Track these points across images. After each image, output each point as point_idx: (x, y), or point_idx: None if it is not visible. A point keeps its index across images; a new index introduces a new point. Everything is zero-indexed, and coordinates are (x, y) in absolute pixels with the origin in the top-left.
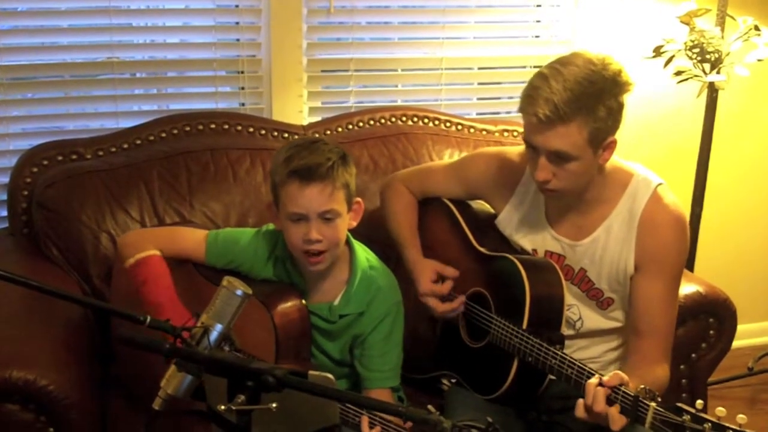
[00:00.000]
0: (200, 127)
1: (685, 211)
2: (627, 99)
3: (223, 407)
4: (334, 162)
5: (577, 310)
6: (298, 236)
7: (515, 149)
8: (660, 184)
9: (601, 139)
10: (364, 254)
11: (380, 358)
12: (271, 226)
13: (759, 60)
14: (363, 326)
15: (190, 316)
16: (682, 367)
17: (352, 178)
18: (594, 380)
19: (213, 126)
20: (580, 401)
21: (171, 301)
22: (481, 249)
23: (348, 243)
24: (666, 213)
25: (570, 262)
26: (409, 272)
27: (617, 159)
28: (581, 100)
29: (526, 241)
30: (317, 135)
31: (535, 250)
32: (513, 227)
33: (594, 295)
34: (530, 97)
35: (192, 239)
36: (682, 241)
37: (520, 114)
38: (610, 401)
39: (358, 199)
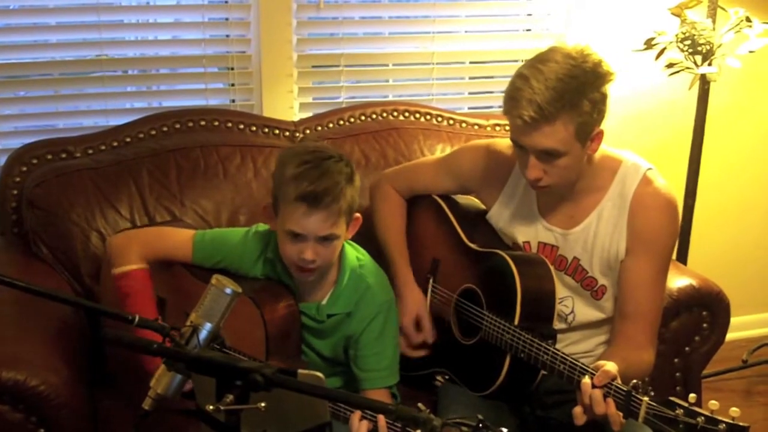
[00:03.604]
0: (190, 124)
1: (676, 194)
2: (610, 89)
3: (211, 407)
4: (341, 187)
5: (570, 302)
6: (294, 252)
7: (505, 141)
8: (649, 168)
9: (588, 131)
10: (354, 253)
11: (374, 357)
12: (260, 226)
13: (750, 51)
14: (354, 326)
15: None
16: (676, 360)
17: (356, 193)
18: (587, 379)
19: (203, 123)
20: (577, 409)
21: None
22: (472, 245)
23: None
24: (657, 195)
25: (563, 252)
26: (396, 292)
27: (606, 147)
28: (564, 98)
29: (518, 233)
30: (308, 131)
31: (527, 243)
32: (505, 220)
33: (588, 284)
34: (513, 99)
35: (179, 239)
36: (673, 223)
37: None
38: (603, 396)
39: (358, 214)
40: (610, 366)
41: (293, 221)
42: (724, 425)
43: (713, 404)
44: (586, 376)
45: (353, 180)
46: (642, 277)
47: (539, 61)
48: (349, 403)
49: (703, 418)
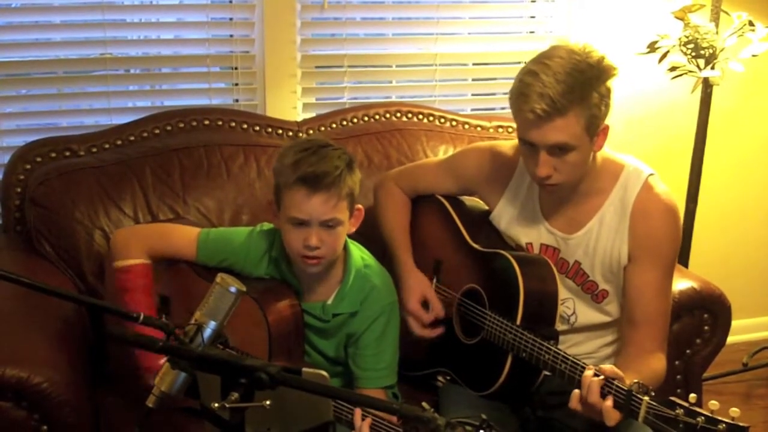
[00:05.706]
0: (194, 123)
1: (677, 200)
2: (613, 84)
3: (216, 405)
4: (341, 171)
5: (571, 304)
6: (298, 240)
7: (507, 143)
8: (651, 174)
9: (597, 125)
10: (359, 253)
11: (373, 357)
12: (265, 226)
13: (753, 55)
14: (357, 325)
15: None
16: (676, 362)
17: (357, 184)
18: (589, 371)
19: (206, 122)
20: (576, 392)
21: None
22: (475, 245)
23: (344, 244)
24: (658, 202)
25: (564, 255)
26: (399, 280)
27: (608, 151)
28: (575, 91)
29: (521, 235)
30: (311, 132)
31: (530, 244)
32: (508, 221)
33: (589, 288)
34: (523, 95)
35: (183, 237)
36: (675, 229)
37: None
38: (603, 394)
39: (360, 205)
40: (617, 369)
41: (295, 206)
42: (723, 425)
43: (713, 404)
44: (589, 369)
45: (353, 169)
46: (647, 284)
47: (544, 57)
48: (353, 401)
49: (703, 418)
